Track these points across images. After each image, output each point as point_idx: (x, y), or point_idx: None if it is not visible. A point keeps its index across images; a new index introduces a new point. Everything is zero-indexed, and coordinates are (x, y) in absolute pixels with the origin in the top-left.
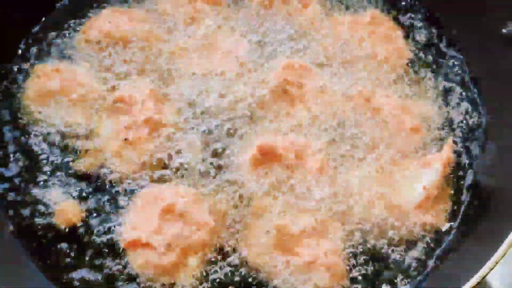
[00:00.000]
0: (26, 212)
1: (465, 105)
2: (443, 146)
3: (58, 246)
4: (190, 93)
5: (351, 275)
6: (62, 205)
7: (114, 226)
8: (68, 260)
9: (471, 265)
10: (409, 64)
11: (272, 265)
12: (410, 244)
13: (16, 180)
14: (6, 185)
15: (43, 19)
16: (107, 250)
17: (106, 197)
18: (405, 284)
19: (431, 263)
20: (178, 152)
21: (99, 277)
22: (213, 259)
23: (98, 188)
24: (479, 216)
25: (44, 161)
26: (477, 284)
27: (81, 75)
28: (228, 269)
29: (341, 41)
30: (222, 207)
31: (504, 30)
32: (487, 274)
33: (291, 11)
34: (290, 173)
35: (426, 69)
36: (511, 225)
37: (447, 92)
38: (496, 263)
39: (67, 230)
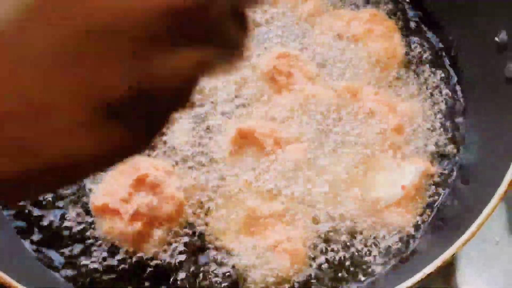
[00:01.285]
0: None
1: (452, 110)
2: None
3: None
4: None
5: (313, 264)
6: None
7: (90, 190)
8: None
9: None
10: (403, 65)
11: (235, 243)
12: (379, 239)
13: None
14: None
15: None
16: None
17: None
18: (366, 277)
19: (395, 261)
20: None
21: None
22: (178, 233)
23: None
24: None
25: None
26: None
27: None
28: (192, 243)
29: (337, 36)
30: (195, 185)
31: (496, 38)
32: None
33: (292, 2)
34: (266, 160)
35: (419, 71)
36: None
37: (436, 95)
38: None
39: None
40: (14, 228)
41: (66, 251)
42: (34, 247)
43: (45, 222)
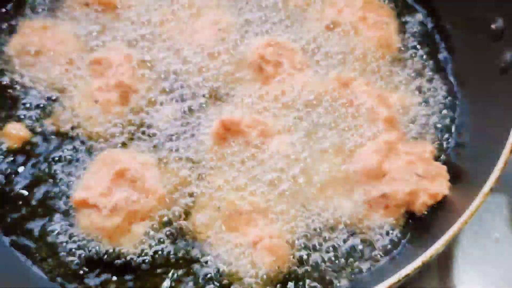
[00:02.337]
0: None
1: (446, 101)
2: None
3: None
4: (167, 62)
5: (295, 259)
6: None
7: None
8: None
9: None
10: (397, 54)
11: (216, 239)
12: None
13: None
14: None
15: None
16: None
17: (71, 154)
18: (351, 275)
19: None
20: (146, 119)
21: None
22: (158, 228)
23: (64, 145)
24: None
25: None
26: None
27: (65, 34)
28: (172, 239)
29: (329, 23)
30: (176, 178)
31: (492, 26)
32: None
33: None
34: (250, 152)
35: (413, 60)
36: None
37: (431, 84)
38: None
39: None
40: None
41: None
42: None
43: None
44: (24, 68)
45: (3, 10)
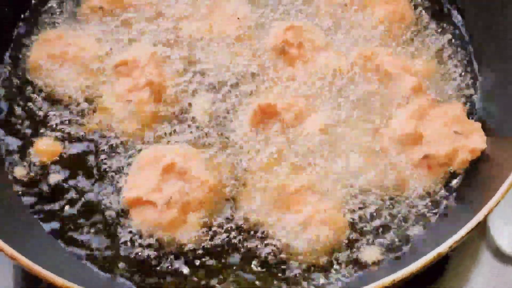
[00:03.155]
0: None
1: (463, 63)
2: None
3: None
4: (191, 55)
5: (351, 229)
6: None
7: (117, 186)
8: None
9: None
10: (413, 25)
11: (271, 221)
12: (416, 199)
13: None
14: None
15: None
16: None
17: (109, 159)
18: (406, 241)
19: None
20: (181, 113)
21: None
22: (212, 216)
23: (102, 149)
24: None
25: (50, 122)
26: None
27: (85, 40)
28: (227, 225)
29: (344, 3)
30: (222, 166)
31: None
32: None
33: None
34: (288, 133)
35: (429, 30)
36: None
37: (446, 50)
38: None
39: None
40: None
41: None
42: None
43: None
44: (49, 78)
45: (20, 24)
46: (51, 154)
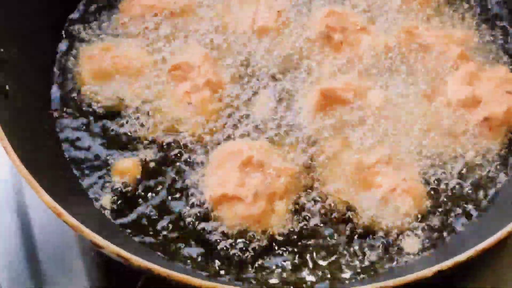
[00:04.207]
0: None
1: (499, 29)
2: None
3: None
4: (242, 51)
5: (432, 197)
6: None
7: (197, 187)
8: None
9: None
10: None
11: (355, 200)
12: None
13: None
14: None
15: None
16: (194, 213)
17: (181, 161)
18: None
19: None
20: (243, 108)
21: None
22: (299, 202)
23: (173, 154)
24: None
25: (115, 136)
26: None
27: (131, 50)
28: (316, 208)
29: None
30: (296, 153)
31: None
32: None
33: None
34: (352, 114)
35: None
36: None
37: (486, 21)
38: None
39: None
40: None
41: None
42: None
43: None
44: (103, 93)
45: (61, 43)
46: (132, 175)
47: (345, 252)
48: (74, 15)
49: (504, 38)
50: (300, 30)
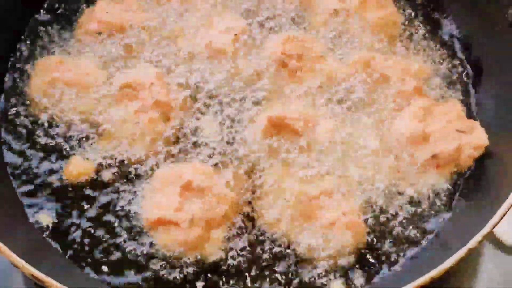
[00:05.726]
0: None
1: (457, 66)
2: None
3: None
4: (194, 74)
5: (370, 234)
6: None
7: (133, 207)
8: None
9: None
10: (403, 29)
11: (293, 230)
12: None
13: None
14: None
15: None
16: (128, 232)
17: (123, 181)
18: (424, 242)
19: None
20: (190, 131)
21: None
22: (235, 230)
23: (116, 171)
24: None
25: (58, 150)
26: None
27: (85, 65)
28: (250, 238)
29: (334, 12)
30: (238, 180)
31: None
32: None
33: None
34: (300, 143)
35: (419, 33)
36: None
37: (441, 54)
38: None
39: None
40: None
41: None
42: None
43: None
44: (53, 106)
45: (17, 53)
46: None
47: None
48: (34, 23)
49: (459, 71)
50: (255, 54)
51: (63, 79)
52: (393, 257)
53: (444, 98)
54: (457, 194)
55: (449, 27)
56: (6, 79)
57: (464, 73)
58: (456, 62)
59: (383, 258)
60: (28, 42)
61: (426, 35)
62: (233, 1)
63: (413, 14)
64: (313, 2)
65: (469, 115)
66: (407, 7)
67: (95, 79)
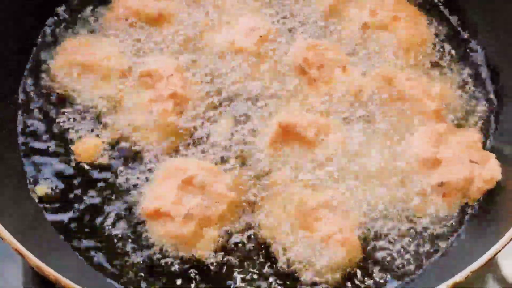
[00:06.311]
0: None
1: (482, 94)
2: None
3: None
4: (214, 71)
5: (366, 251)
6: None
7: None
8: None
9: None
10: (431, 50)
11: (287, 239)
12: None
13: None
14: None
15: None
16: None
17: (129, 169)
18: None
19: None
20: (202, 127)
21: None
22: (230, 232)
23: (123, 158)
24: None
25: (71, 131)
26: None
27: (109, 49)
28: (244, 241)
29: (364, 25)
30: (242, 182)
31: None
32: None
33: None
34: (309, 151)
35: (447, 56)
36: None
37: (466, 80)
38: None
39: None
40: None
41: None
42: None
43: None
44: (72, 85)
45: (46, 28)
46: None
47: None
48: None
49: (483, 99)
50: (277, 58)
51: (85, 61)
52: (382, 282)
53: (462, 125)
54: (462, 226)
55: (479, 54)
56: (31, 58)
57: (487, 102)
58: (481, 89)
59: (371, 282)
60: (60, 20)
61: (454, 58)
62: (262, 3)
63: (444, 35)
64: (344, 13)
65: (486, 146)
66: (439, 28)
67: (117, 64)
